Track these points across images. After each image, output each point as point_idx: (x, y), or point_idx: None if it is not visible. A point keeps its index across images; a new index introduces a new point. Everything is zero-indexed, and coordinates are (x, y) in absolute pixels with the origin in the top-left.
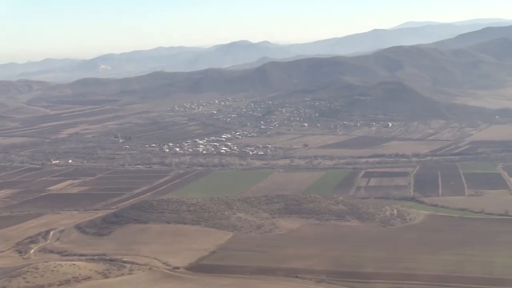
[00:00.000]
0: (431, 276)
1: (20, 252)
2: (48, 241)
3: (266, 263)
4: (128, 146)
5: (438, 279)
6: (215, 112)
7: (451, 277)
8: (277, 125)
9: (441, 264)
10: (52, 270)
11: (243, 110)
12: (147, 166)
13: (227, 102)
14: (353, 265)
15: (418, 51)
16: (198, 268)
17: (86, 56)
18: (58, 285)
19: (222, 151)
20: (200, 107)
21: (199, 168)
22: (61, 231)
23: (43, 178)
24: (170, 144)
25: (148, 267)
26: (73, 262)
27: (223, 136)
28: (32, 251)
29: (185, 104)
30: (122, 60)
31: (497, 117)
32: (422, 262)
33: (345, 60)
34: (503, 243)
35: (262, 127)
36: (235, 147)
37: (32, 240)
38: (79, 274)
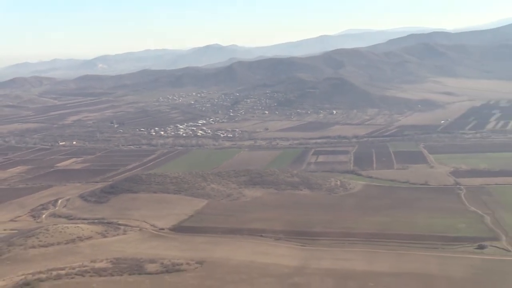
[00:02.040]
0: (367, 233)
1: (34, 216)
2: (57, 208)
3: (234, 224)
4: (121, 130)
5: (372, 236)
6: (192, 102)
7: (382, 234)
8: (243, 112)
9: (374, 224)
10: (60, 232)
11: (216, 100)
12: (137, 146)
13: (202, 94)
14: (305, 225)
15: (357, 53)
16: (179, 229)
17: (87, 57)
18: (65, 243)
19: (198, 134)
20: (181, 98)
21: (179, 148)
22: (67, 200)
23: (52, 157)
24: (156, 128)
25: (138, 228)
26: (77, 225)
27: (199, 122)
28: (44, 216)
29: (168, 96)
30: (116, 60)
31: (419, 106)
32: (360, 223)
33: (298, 60)
34: (423, 207)
35: (231, 114)
36: (209, 131)
37: (44, 207)
38: (82, 235)
